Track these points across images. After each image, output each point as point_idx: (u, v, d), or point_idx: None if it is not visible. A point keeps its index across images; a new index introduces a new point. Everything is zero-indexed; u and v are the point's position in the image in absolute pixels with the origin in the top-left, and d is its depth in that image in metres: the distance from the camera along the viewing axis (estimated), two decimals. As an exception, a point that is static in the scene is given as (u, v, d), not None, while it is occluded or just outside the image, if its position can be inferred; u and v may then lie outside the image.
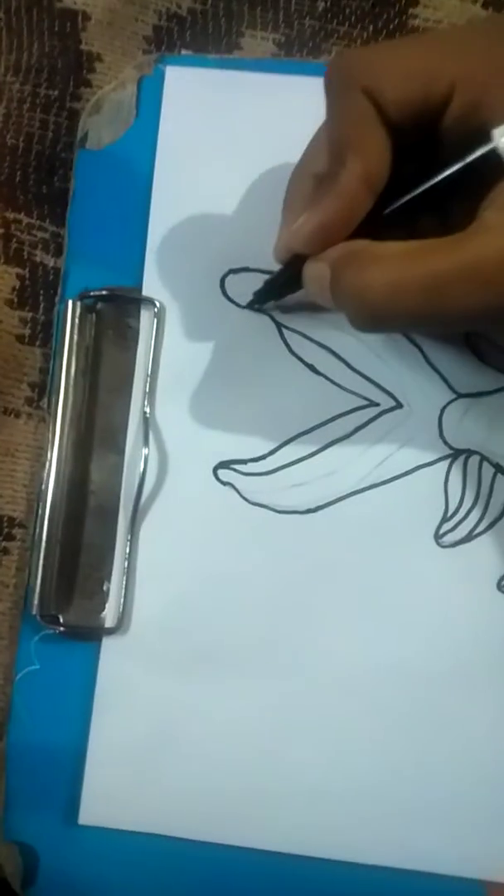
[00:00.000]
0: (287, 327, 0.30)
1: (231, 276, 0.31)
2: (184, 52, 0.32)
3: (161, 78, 0.31)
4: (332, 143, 0.24)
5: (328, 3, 0.31)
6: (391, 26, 0.31)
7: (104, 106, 0.31)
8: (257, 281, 0.30)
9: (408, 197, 0.24)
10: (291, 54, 0.32)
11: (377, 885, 0.28)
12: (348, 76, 0.23)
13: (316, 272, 0.25)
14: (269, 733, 0.29)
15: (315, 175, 0.25)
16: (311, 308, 0.30)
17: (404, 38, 0.27)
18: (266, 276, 0.29)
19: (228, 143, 0.31)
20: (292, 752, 0.29)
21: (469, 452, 0.30)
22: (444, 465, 0.30)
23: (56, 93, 0.32)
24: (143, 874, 0.29)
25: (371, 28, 0.31)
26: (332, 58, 0.24)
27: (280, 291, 0.29)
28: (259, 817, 0.28)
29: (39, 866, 0.29)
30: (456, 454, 0.30)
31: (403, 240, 0.23)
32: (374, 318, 0.23)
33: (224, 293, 0.31)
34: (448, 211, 0.24)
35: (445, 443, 0.30)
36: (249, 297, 0.30)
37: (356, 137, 0.23)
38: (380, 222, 0.24)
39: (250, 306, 0.30)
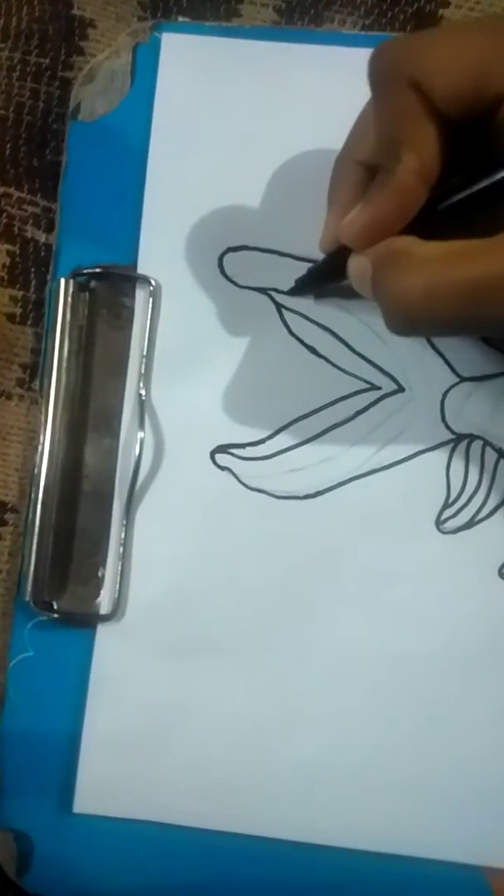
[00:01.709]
0: (287, 308, 0.30)
1: (230, 254, 0.30)
2: (180, 18, 0.31)
3: (157, 46, 0.30)
4: (384, 136, 0.23)
5: (331, -32, 0.30)
6: (396, -7, 0.30)
7: (97, 75, 0.30)
8: (257, 259, 0.29)
9: (462, 195, 0.23)
10: (292, 22, 0.31)
11: (375, 871, 0.28)
12: (395, 69, 0.22)
13: (360, 267, 0.24)
14: (265, 720, 0.28)
15: (361, 163, 0.25)
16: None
17: (453, 26, 0.25)
18: (264, 254, 0.29)
19: (228, 113, 0.30)
20: (289, 738, 0.28)
21: (472, 437, 0.29)
22: (447, 450, 0.29)
23: (47, 61, 0.31)
24: (139, 860, 0.29)
25: (375, -5, 0.30)
26: (376, 48, 0.22)
27: (323, 281, 0.28)
28: (256, 804, 0.28)
29: (34, 853, 0.29)
30: (458, 439, 0.29)
31: (453, 233, 0.22)
32: (408, 322, 0.23)
33: (222, 272, 0.30)
34: (499, 206, 0.23)
35: (448, 427, 0.29)
36: (248, 276, 0.29)
37: (409, 132, 0.22)
38: (428, 216, 0.23)
39: (291, 293, 0.29)
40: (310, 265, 0.29)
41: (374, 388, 0.29)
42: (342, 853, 0.28)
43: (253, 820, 0.28)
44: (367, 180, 0.25)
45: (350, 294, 0.27)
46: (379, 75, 0.22)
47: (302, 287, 0.29)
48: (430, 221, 0.23)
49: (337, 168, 0.26)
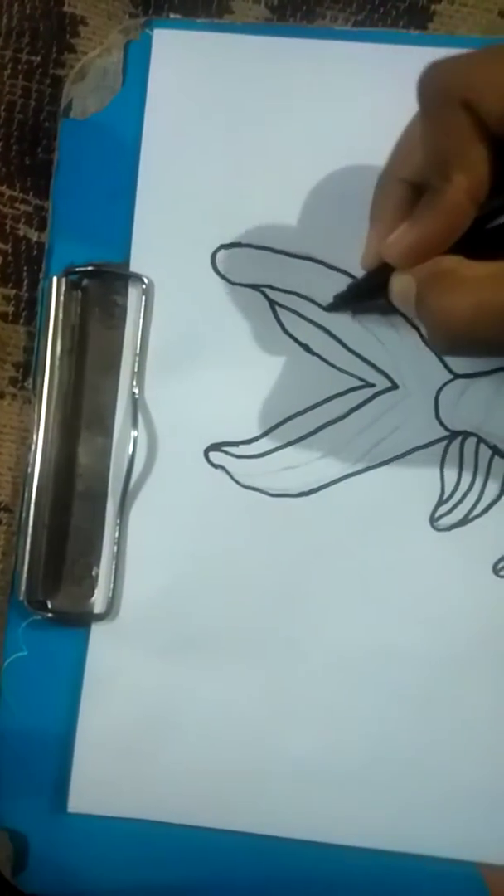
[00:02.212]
0: (281, 305, 0.30)
1: (222, 251, 0.30)
2: (172, 15, 0.31)
3: (148, 43, 0.30)
4: (434, 155, 0.23)
5: (323, -35, 0.30)
6: (387, -10, 0.30)
7: (89, 73, 0.30)
8: (250, 256, 0.29)
9: None
10: (284, 19, 0.31)
11: (371, 868, 0.28)
12: (446, 89, 0.22)
13: (403, 286, 0.24)
14: (260, 718, 0.28)
15: (406, 181, 0.25)
16: (306, 287, 0.29)
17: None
18: (257, 251, 0.28)
19: (220, 110, 0.30)
20: (284, 736, 0.28)
21: (466, 434, 0.29)
22: (441, 447, 0.29)
23: (38, 58, 0.31)
24: (134, 859, 0.28)
25: (366, -8, 0.30)
26: (426, 68, 0.22)
27: (363, 298, 0.28)
28: (251, 801, 0.28)
29: (30, 853, 0.29)
30: (452, 436, 0.29)
31: (499, 253, 0.22)
32: (454, 342, 0.23)
33: (215, 269, 0.30)
34: None
35: (441, 424, 0.29)
36: (241, 273, 0.29)
37: (460, 153, 0.22)
38: (475, 235, 0.23)
39: (329, 309, 0.29)
40: (349, 281, 0.29)
41: (368, 385, 0.29)
42: (337, 850, 0.28)
43: (248, 818, 0.28)
44: (411, 198, 0.25)
45: (389, 311, 0.27)
46: (430, 95, 0.22)
47: (340, 303, 0.29)
48: (477, 241, 0.23)
49: (380, 185, 0.26)
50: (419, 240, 0.23)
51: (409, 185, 0.25)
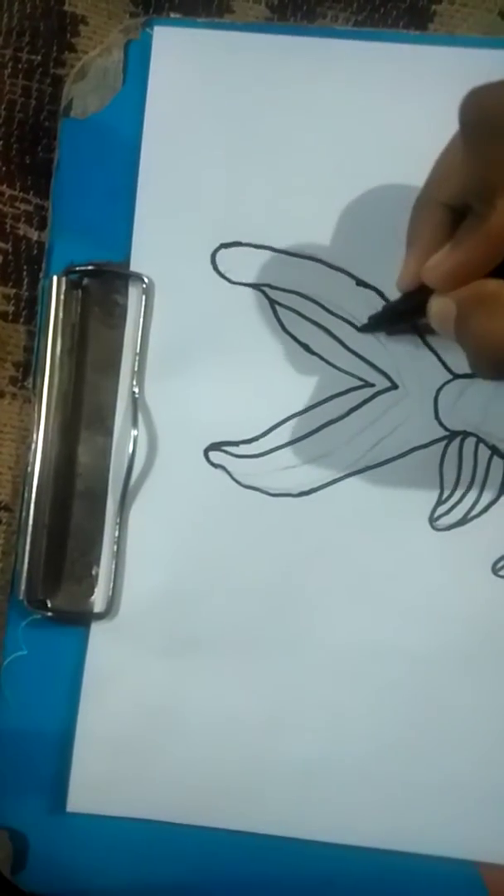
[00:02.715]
0: (281, 304, 0.30)
1: (223, 250, 0.30)
2: (172, 14, 0.31)
3: (149, 42, 0.30)
4: (477, 181, 0.23)
5: (323, -35, 0.30)
6: (388, -10, 0.30)
7: (89, 72, 0.30)
8: (250, 255, 0.29)
9: None
10: (285, 18, 0.31)
11: (371, 867, 0.28)
12: (489, 118, 0.22)
13: (442, 309, 0.24)
14: (259, 717, 0.28)
15: (445, 205, 0.25)
16: (306, 286, 0.29)
17: None
18: (257, 250, 0.28)
19: (221, 109, 0.30)
20: (283, 735, 0.28)
21: (465, 434, 0.29)
22: (440, 446, 0.29)
23: (39, 58, 0.31)
24: (134, 858, 0.29)
25: (367, -8, 0.30)
26: (467, 94, 0.22)
27: (399, 319, 0.28)
28: (250, 801, 0.28)
29: (29, 851, 0.29)
30: (451, 436, 0.29)
31: None
32: (499, 366, 0.23)
33: (215, 268, 0.30)
34: None
35: (441, 424, 0.29)
36: (241, 272, 0.29)
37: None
38: None
39: (363, 330, 0.29)
40: (384, 303, 0.28)
41: (368, 385, 0.29)
42: (337, 849, 0.28)
43: (247, 817, 0.28)
44: (450, 222, 0.25)
45: (426, 331, 0.26)
46: (472, 122, 0.22)
47: (375, 325, 0.29)
48: None
49: (418, 208, 0.26)
50: (461, 264, 0.23)
51: (448, 208, 0.25)
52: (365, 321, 0.29)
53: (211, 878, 0.28)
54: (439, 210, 0.25)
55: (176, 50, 0.30)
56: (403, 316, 0.28)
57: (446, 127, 0.29)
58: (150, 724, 0.29)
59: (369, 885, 0.28)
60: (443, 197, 0.25)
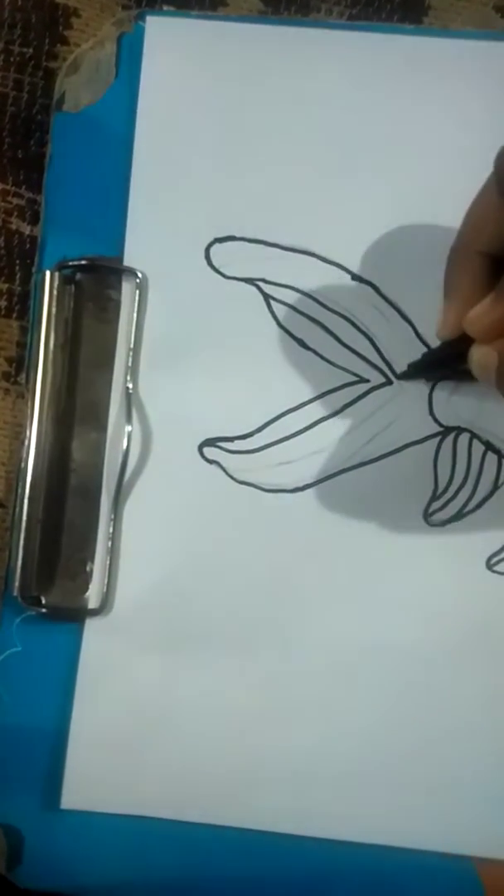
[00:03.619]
0: (276, 299, 0.29)
1: (216, 244, 0.29)
2: (165, 7, 0.30)
3: (141, 35, 0.30)
4: None
5: (317, -42, 0.30)
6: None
7: (82, 65, 0.30)
8: (244, 250, 0.29)
9: None
10: (279, 13, 0.30)
11: (366, 862, 0.28)
12: None
13: (484, 358, 0.24)
14: (254, 713, 0.28)
15: (483, 253, 0.24)
16: (301, 281, 0.29)
17: None
18: (251, 244, 0.28)
19: (214, 102, 0.30)
20: (278, 731, 0.28)
21: (459, 430, 0.29)
22: (434, 442, 0.29)
23: (31, 51, 0.30)
24: (129, 854, 0.28)
25: (362, -14, 0.30)
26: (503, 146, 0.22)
27: (439, 367, 0.28)
28: (244, 797, 0.28)
29: (24, 847, 0.29)
30: (446, 431, 0.29)
31: None
32: None
33: (209, 263, 0.29)
34: None
35: (435, 420, 0.29)
36: (235, 267, 0.29)
37: None
38: None
39: (403, 377, 0.29)
40: (424, 350, 0.28)
41: (363, 380, 0.29)
42: (332, 845, 0.28)
43: (242, 813, 0.28)
44: (489, 270, 0.24)
45: (465, 378, 0.26)
46: None
47: (415, 372, 0.28)
48: None
49: (454, 256, 0.26)
50: None
51: (486, 256, 0.24)
52: (360, 317, 0.29)
53: (205, 874, 0.28)
54: (477, 258, 0.25)
55: (169, 42, 0.30)
56: (444, 363, 0.27)
57: (440, 119, 0.29)
58: (144, 720, 0.29)
59: (365, 880, 0.28)
60: (480, 245, 0.25)
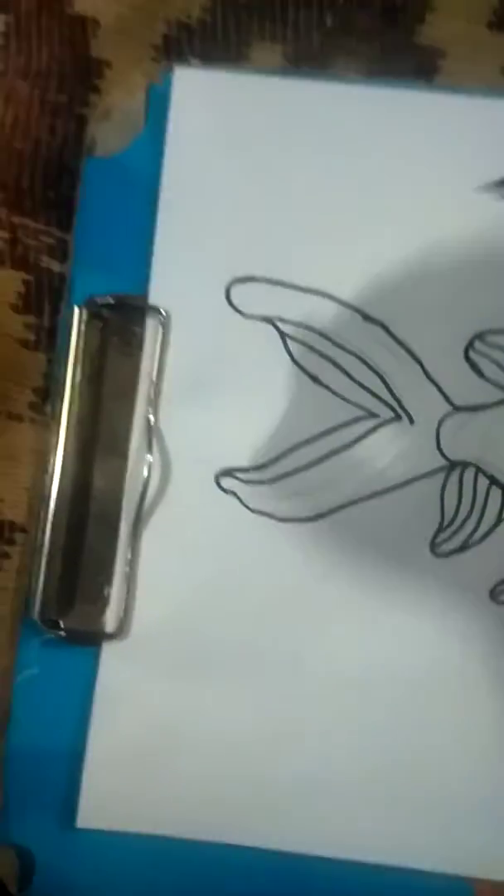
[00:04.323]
0: (291, 337, 0.31)
1: (237, 284, 0.31)
2: (193, 60, 0.32)
3: (170, 86, 0.31)
4: None
5: (336, 18, 0.32)
6: (398, 43, 0.32)
7: (112, 113, 0.32)
8: (262, 290, 0.31)
9: None
10: (299, 67, 0.32)
11: (370, 882, 0.28)
12: None
13: None
14: (267, 736, 0.29)
15: None
16: (316, 320, 0.31)
17: None
18: (269, 285, 0.30)
19: (237, 150, 0.31)
20: (290, 754, 0.29)
21: (465, 464, 0.30)
22: (441, 476, 0.30)
23: (65, 98, 0.32)
24: (142, 874, 0.29)
25: (378, 45, 0.32)
26: None
27: None
28: (260, 817, 0.29)
29: (36, 869, 0.29)
30: (452, 466, 0.30)
31: None
32: None
33: (230, 302, 0.31)
34: None
35: (442, 455, 0.30)
36: (254, 306, 0.31)
37: None
38: None
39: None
40: (432, 388, 0.29)
41: (373, 415, 0.31)
42: (341, 865, 0.28)
43: (257, 833, 0.29)
44: None
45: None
46: None
47: None
48: None
49: None
50: None
51: None
52: (371, 355, 0.30)
53: (220, 893, 0.29)
54: None
55: (195, 93, 0.32)
56: None
57: (451, 170, 0.31)
58: (159, 742, 0.29)
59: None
60: None
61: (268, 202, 0.31)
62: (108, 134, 0.31)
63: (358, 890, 0.29)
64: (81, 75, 0.32)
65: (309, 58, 0.32)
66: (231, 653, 0.30)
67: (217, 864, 0.29)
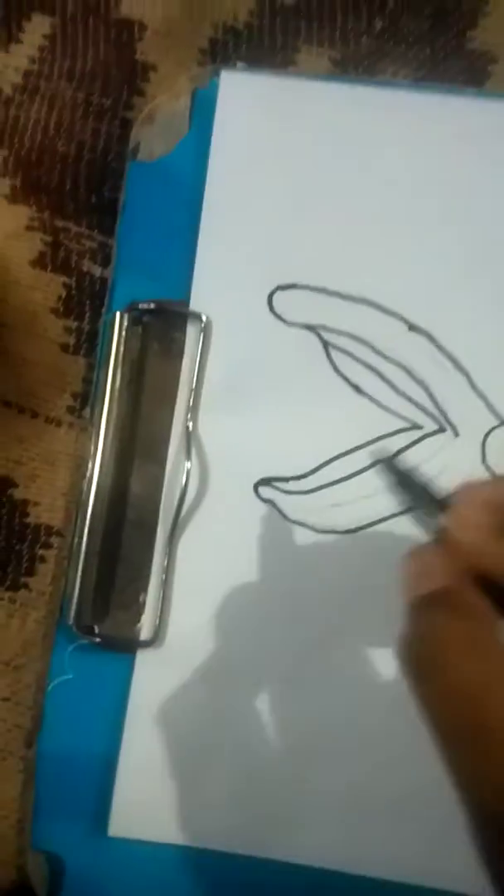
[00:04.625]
0: (334, 346, 0.30)
1: (279, 292, 0.31)
2: (239, 65, 0.32)
3: (215, 90, 0.31)
4: None
5: (386, 23, 0.31)
6: (448, 48, 0.31)
7: (157, 117, 0.31)
8: (305, 297, 0.30)
9: None
10: (347, 72, 0.32)
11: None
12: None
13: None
14: (301, 747, 0.29)
15: None
16: (359, 329, 0.30)
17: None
18: (313, 292, 0.29)
19: (282, 155, 0.31)
20: (323, 765, 0.29)
21: (511, 480, 0.30)
22: (486, 491, 0.30)
23: (109, 101, 0.32)
24: (170, 884, 0.29)
25: (428, 50, 0.31)
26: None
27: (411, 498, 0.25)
28: (289, 829, 0.28)
29: (66, 875, 0.29)
30: (498, 480, 0.30)
31: None
32: None
33: (271, 309, 0.31)
34: None
35: (488, 469, 0.30)
36: (296, 314, 0.30)
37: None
38: None
39: (381, 463, 0.26)
40: (480, 402, 0.28)
41: (416, 427, 0.30)
42: (371, 882, 0.28)
43: (286, 846, 0.28)
44: None
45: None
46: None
47: (391, 470, 0.25)
48: None
49: None
50: None
51: None
52: (416, 365, 0.30)
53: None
54: None
55: (241, 97, 0.31)
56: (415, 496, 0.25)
57: (498, 177, 0.30)
58: (193, 751, 0.29)
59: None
60: None
61: (312, 208, 0.31)
62: (153, 138, 0.31)
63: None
64: (126, 78, 0.32)
65: (357, 63, 0.32)
66: (266, 663, 0.29)
67: (249, 875, 0.28)
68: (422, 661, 0.20)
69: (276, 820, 0.29)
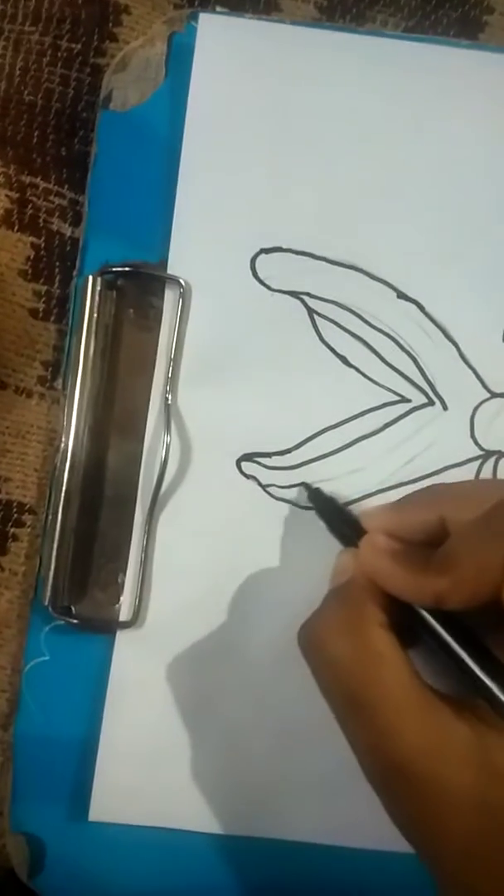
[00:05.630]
0: (319, 314, 0.29)
1: (263, 255, 0.29)
2: (219, 9, 0.30)
3: (193, 35, 0.29)
4: None
5: (376, -34, 0.29)
6: (441, -5, 0.29)
7: (131, 63, 0.29)
8: (290, 262, 0.29)
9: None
10: (333, 20, 0.30)
11: (388, 870, 0.28)
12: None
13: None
14: (281, 728, 0.28)
15: None
16: (346, 297, 0.29)
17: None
18: (298, 256, 0.28)
19: (266, 106, 0.29)
20: (304, 745, 0.28)
21: (499, 454, 0.29)
22: (474, 465, 0.29)
23: (79, 46, 0.29)
24: (152, 865, 0.28)
25: (421, -3, 0.29)
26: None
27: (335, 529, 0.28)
28: (272, 809, 0.28)
29: (46, 856, 0.28)
30: (486, 455, 0.29)
31: None
32: None
33: (255, 274, 0.29)
34: None
35: (476, 443, 0.29)
36: (281, 279, 0.29)
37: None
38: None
39: (308, 496, 0.29)
40: (470, 372, 0.29)
41: (404, 400, 0.29)
42: (355, 853, 0.28)
43: (269, 825, 0.28)
44: None
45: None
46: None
47: (317, 500, 0.28)
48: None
49: None
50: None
51: None
52: (404, 336, 0.29)
53: (232, 886, 0.28)
54: None
55: (221, 43, 0.29)
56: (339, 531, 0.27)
57: (492, 137, 0.29)
58: (173, 733, 0.28)
59: (388, 887, 0.28)
60: None
61: (298, 167, 0.29)
62: (126, 86, 0.29)
63: (359, 874, 0.28)
64: (97, 21, 0.29)
65: (344, 10, 0.30)
66: (249, 643, 0.29)
67: (231, 855, 0.28)
68: (311, 637, 0.25)
69: (259, 799, 0.28)
